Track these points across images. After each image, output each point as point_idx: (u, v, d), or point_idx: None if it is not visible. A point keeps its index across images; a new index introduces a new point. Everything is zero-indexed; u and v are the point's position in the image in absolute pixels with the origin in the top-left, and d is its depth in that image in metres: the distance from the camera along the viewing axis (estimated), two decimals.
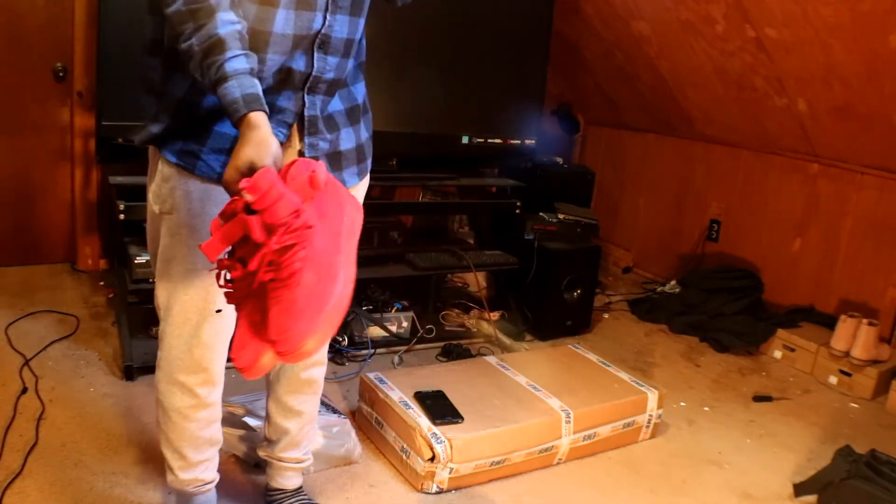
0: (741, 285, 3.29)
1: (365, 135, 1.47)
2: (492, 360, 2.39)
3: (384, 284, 2.86)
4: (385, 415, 2.02)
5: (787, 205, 3.32)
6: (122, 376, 2.28)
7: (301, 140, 1.33)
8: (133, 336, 2.43)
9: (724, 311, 3.21)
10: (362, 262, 2.64)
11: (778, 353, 3.04)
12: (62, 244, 3.24)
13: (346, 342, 2.62)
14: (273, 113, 1.26)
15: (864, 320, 2.74)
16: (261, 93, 1.11)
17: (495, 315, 3.00)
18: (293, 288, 1.01)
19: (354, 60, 1.40)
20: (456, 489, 1.90)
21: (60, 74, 3.01)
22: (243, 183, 1.03)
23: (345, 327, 2.64)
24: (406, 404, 1.98)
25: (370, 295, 2.81)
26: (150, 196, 1.35)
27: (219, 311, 1.34)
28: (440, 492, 1.87)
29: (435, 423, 1.90)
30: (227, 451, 1.89)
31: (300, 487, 1.72)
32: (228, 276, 1.08)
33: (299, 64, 1.26)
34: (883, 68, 2.53)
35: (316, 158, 1.34)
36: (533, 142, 3.12)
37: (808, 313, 3.16)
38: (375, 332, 2.71)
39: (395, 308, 2.80)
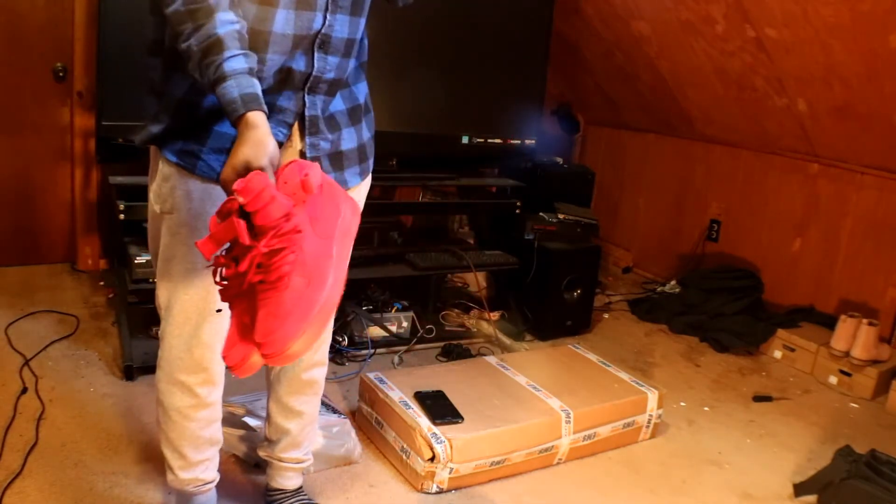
0: (741, 285, 3.29)
1: (367, 135, 1.47)
2: (492, 360, 2.39)
3: (384, 284, 2.86)
4: (385, 415, 2.02)
5: (787, 205, 3.32)
6: (122, 376, 2.28)
7: (302, 140, 1.33)
8: (133, 336, 2.43)
9: (724, 311, 3.21)
10: (362, 262, 2.67)
11: (778, 353, 3.04)
12: (62, 244, 3.24)
13: (346, 342, 2.62)
14: (273, 113, 1.26)
15: (864, 320, 2.74)
16: (259, 92, 1.11)
17: (495, 315, 3.00)
18: (281, 291, 1.02)
19: (356, 60, 1.40)
20: (456, 489, 1.90)
21: (60, 74, 3.01)
22: (237, 184, 1.03)
23: (345, 327, 2.64)
24: (406, 404, 1.98)
25: (370, 295, 2.81)
26: (151, 196, 1.35)
27: (219, 310, 1.34)
28: (440, 492, 1.87)
29: (435, 423, 1.90)
30: (227, 451, 1.89)
31: (300, 487, 1.73)
32: (224, 274, 1.09)
33: (299, 64, 1.26)
34: (883, 68, 2.53)
35: (317, 158, 1.34)
36: (533, 142, 3.12)
37: (808, 313, 3.16)
38: (375, 332, 2.71)
39: (395, 308, 2.80)
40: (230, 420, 1.87)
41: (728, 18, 2.88)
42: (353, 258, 1.56)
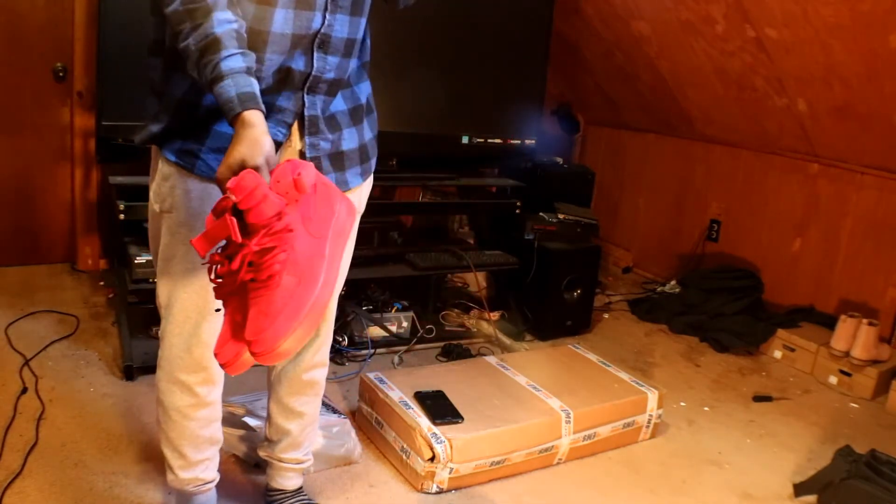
0: (741, 285, 3.29)
1: (369, 135, 1.47)
2: (492, 360, 2.39)
3: (384, 284, 2.86)
4: (385, 415, 2.02)
5: (787, 205, 3.32)
6: (122, 376, 2.28)
7: (301, 140, 1.33)
8: (133, 336, 2.43)
9: (724, 311, 3.21)
10: (362, 262, 2.67)
11: (778, 353, 3.04)
12: (62, 244, 3.24)
13: (346, 342, 2.62)
14: (273, 112, 1.26)
15: (864, 320, 2.74)
16: (257, 91, 1.11)
17: (495, 315, 3.00)
18: (272, 289, 1.03)
19: (358, 60, 1.40)
20: (456, 489, 1.89)
21: (60, 74, 3.01)
22: (230, 182, 1.03)
23: (345, 327, 2.64)
24: (406, 404, 1.98)
25: (370, 295, 2.81)
26: (151, 195, 1.35)
27: (218, 310, 1.34)
28: (440, 492, 1.87)
29: (435, 423, 1.90)
30: (227, 451, 1.89)
31: (300, 488, 1.72)
32: (217, 272, 1.09)
33: (299, 64, 1.26)
34: (883, 68, 2.53)
35: (317, 158, 1.34)
36: (533, 142, 3.12)
37: (808, 313, 3.16)
38: (375, 332, 2.71)
39: (395, 308, 2.80)
40: (230, 420, 1.87)
41: (728, 18, 2.88)
42: (353, 258, 1.57)
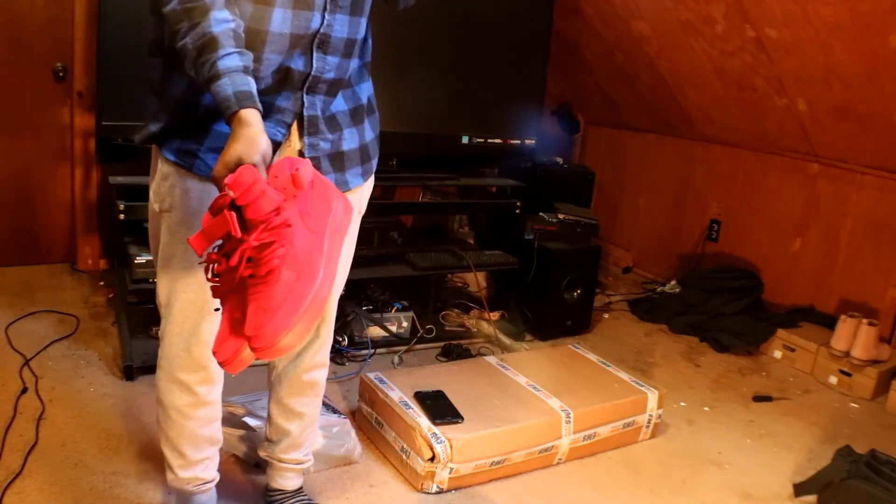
0: (741, 285, 3.29)
1: (370, 135, 1.47)
2: (492, 360, 2.38)
3: (384, 284, 2.86)
4: (385, 415, 2.02)
5: (787, 205, 3.32)
6: (122, 376, 2.28)
7: (301, 140, 1.33)
8: (133, 336, 2.43)
9: (724, 311, 3.21)
10: (362, 262, 2.67)
11: (778, 353, 3.04)
12: (62, 244, 3.24)
13: (346, 342, 2.62)
14: (272, 112, 1.26)
15: (864, 320, 2.74)
16: (254, 90, 1.11)
17: (495, 315, 3.00)
18: (271, 284, 1.03)
19: (359, 60, 1.40)
20: (456, 489, 1.89)
21: (60, 74, 3.01)
22: (228, 178, 1.04)
23: (345, 327, 2.64)
24: (406, 404, 1.98)
25: (370, 295, 2.81)
26: (151, 194, 1.36)
27: (217, 309, 1.34)
28: (440, 492, 1.87)
29: (435, 423, 1.90)
30: (227, 451, 1.89)
31: (300, 488, 1.72)
32: (215, 270, 1.09)
33: (298, 64, 1.26)
34: (883, 68, 2.53)
35: (316, 158, 1.34)
36: (533, 142, 3.12)
37: (808, 313, 3.16)
38: (375, 332, 2.71)
39: (395, 308, 2.80)
40: (230, 420, 1.87)
41: (728, 18, 2.88)
42: (353, 258, 1.57)
